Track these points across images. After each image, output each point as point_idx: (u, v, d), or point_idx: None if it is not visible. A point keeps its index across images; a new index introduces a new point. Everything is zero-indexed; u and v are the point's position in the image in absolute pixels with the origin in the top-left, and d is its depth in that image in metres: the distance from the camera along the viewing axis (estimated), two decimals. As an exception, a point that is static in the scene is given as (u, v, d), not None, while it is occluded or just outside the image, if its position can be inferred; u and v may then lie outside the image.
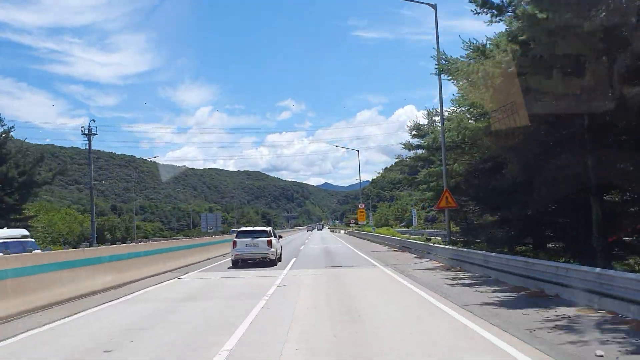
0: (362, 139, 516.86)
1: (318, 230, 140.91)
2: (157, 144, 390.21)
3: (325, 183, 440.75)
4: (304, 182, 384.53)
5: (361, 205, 56.47)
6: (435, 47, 16.54)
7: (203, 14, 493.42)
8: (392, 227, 55.35)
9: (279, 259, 20.31)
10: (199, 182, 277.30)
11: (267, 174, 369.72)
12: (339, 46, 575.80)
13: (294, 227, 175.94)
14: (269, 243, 18.72)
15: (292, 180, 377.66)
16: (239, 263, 18.79)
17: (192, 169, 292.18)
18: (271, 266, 18.31)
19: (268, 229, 20.49)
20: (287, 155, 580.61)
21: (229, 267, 18.77)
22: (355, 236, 51.88)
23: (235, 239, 19.10)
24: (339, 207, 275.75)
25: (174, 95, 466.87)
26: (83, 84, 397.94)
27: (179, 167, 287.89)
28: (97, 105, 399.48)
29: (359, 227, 61.10)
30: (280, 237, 22.53)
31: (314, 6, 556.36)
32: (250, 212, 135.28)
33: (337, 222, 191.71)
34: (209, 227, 43.24)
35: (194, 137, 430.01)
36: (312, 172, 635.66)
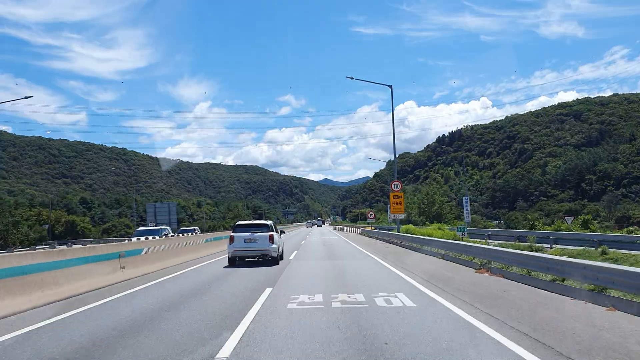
0: (362, 134, 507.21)
1: (317, 226, 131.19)
2: (156, 139, 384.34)
3: (325, 179, 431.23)
4: (304, 177, 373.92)
5: (396, 186, 29.44)
6: None
7: (202, 9, 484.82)
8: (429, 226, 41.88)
9: (281, 257, 18.42)
10: (194, 177, 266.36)
11: (266, 168, 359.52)
12: (338, 42, 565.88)
13: (293, 222, 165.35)
14: (271, 238, 16.70)
15: (292, 175, 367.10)
16: (237, 261, 16.87)
17: (187, 162, 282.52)
18: (273, 264, 16.25)
19: (269, 222, 18.06)
20: (287, 152, 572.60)
21: (225, 267, 16.45)
22: (394, 244, 27.49)
23: (232, 234, 16.91)
24: (340, 203, 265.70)
25: (173, 90, 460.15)
26: (82, 79, 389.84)
27: (174, 160, 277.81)
28: (96, 100, 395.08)
29: (383, 225, 48.64)
30: (282, 232, 20.63)
31: (313, 1, 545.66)
32: (238, 206, 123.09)
33: (338, 217, 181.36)
34: (150, 223, 31.22)
35: (192, 133, 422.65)
36: (311, 168, 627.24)
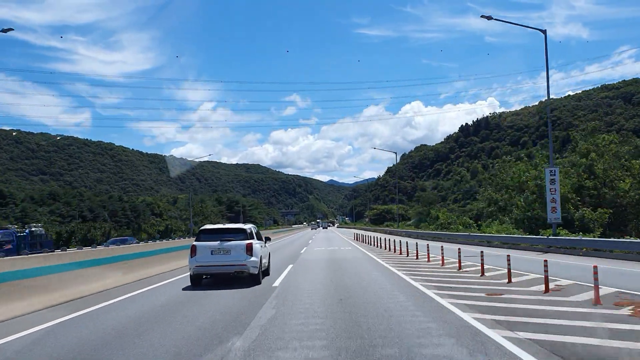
0: (368, 135, 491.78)
1: (323, 228, 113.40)
2: (161, 140, 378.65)
3: (331, 180, 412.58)
4: (309, 177, 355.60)
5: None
6: None
7: (206, 12, 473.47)
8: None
9: (266, 273, 14.30)
10: (188, 174, 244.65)
11: (268, 167, 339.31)
12: (342, 43, 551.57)
13: (294, 224, 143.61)
14: (249, 249, 12.47)
15: (295, 174, 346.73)
16: (203, 279, 12.96)
17: (182, 158, 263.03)
18: (253, 285, 12.24)
19: (247, 227, 13.51)
20: (292, 153, 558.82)
21: (184, 288, 12.12)
22: None
23: (195, 243, 12.68)
24: (347, 203, 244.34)
25: (178, 92, 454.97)
26: (87, 81, 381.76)
27: (181, 158, 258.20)
28: (101, 102, 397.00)
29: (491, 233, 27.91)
30: (267, 239, 15.23)
31: (317, 3, 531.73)
32: (206, 201, 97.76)
33: (347, 219, 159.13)
34: None
35: (197, 134, 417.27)
36: (316, 170, 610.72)
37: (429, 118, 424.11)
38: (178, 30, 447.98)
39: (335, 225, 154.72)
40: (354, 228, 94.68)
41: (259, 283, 12.62)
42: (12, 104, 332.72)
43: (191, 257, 12.59)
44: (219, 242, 12.55)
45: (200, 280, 12.86)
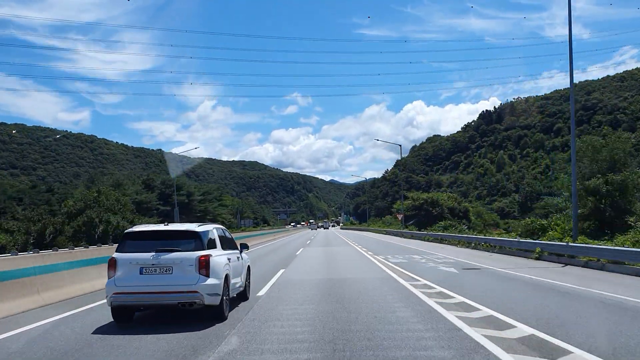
0: (370, 135, 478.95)
1: (324, 229, 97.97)
2: (160, 139, 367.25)
3: (332, 180, 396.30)
4: (309, 175, 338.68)
5: None
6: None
7: (207, 11, 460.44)
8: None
9: (243, 297, 9.50)
10: (177, 170, 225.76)
11: (266, 165, 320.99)
12: (343, 43, 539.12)
13: (290, 224, 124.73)
14: (202, 265, 7.29)
15: (294, 171, 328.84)
16: (129, 314, 7.67)
17: (170, 152, 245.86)
18: (216, 322, 7.45)
19: (203, 229, 7.87)
20: (293, 152, 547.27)
21: (95, 332, 7.02)
22: None
23: (115, 255, 7.46)
24: (350, 202, 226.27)
25: (178, 91, 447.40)
26: (88, 81, 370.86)
27: (181, 155, 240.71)
28: (102, 102, 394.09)
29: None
30: (243, 247, 9.68)
31: (317, 3, 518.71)
32: (126, 186, 65.69)
33: (352, 218, 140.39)
34: None
35: (197, 133, 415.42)
36: (317, 169, 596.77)
37: (430, 117, 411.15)
38: (179, 29, 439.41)
39: (340, 225, 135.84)
40: (369, 231, 73.90)
41: (224, 318, 7.57)
42: (12, 102, 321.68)
43: (109, 277, 7.34)
44: (153, 253, 7.23)
45: (130, 315, 7.52)
